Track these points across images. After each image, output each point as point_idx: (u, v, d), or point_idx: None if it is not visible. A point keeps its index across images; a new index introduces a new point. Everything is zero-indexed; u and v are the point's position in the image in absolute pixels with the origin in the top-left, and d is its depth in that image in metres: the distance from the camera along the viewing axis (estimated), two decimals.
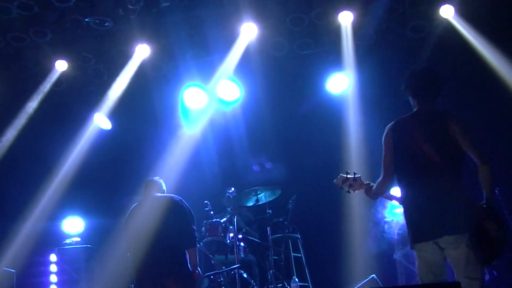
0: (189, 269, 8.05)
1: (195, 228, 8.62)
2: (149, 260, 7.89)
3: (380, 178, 6.55)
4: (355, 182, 6.89)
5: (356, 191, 6.93)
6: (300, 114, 12.66)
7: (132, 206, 8.62)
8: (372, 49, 11.96)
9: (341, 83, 12.28)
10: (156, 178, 9.02)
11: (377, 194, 6.78)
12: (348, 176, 6.92)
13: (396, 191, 6.71)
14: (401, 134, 6.35)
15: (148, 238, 7.89)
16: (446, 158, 6.14)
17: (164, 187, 8.82)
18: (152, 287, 7.83)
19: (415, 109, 6.56)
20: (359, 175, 6.90)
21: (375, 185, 6.68)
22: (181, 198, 8.36)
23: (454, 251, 5.89)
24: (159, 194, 8.45)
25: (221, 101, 12.70)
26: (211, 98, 12.62)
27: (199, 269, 8.22)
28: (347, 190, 6.95)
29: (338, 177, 6.99)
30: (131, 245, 8.33)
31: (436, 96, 6.53)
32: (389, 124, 6.53)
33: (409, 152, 6.26)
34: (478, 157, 6.14)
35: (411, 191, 6.24)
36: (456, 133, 6.18)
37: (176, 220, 8.12)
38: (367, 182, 6.89)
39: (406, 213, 6.26)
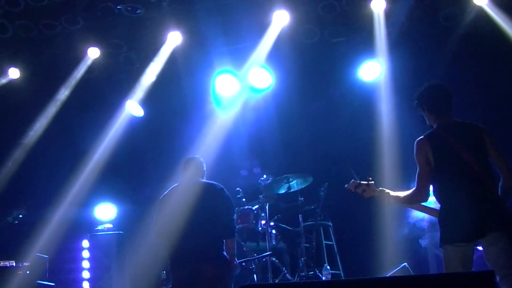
0: (226, 258, 8.09)
1: (234, 218, 8.79)
2: (187, 245, 7.92)
3: (413, 190, 6.79)
4: (368, 188, 7.16)
5: (368, 197, 7.21)
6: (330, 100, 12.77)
7: (171, 187, 8.61)
8: (404, 36, 11.99)
9: (373, 71, 12.38)
10: (197, 156, 8.97)
11: (405, 203, 7.14)
12: (362, 182, 7.20)
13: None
14: (439, 146, 6.65)
15: (187, 223, 7.94)
16: (484, 166, 6.57)
17: (204, 167, 8.80)
18: (189, 271, 7.85)
19: (436, 123, 6.90)
20: (373, 182, 7.18)
21: (404, 195, 6.95)
22: (223, 187, 8.40)
23: (494, 247, 6.26)
24: (203, 180, 8.47)
25: (253, 88, 12.83)
26: (243, 85, 12.76)
27: (236, 259, 8.34)
28: (359, 194, 7.24)
29: (351, 182, 7.27)
30: (168, 227, 8.29)
31: (450, 109, 6.89)
32: (421, 139, 6.79)
33: (451, 163, 6.59)
34: (505, 167, 6.63)
35: (455, 198, 6.54)
36: (487, 143, 6.64)
37: (218, 209, 8.14)
38: (381, 188, 7.18)
39: (448, 217, 6.56)
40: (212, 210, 8.09)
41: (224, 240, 8.21)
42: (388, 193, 7.13)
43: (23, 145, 12.95)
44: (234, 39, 12.42)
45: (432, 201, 6.96)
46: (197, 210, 7.98)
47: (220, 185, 8.35)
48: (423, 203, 6.98)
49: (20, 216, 9.26)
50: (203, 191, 8.18)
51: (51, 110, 13.16)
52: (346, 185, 7.36)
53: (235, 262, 8.25)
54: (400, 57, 11.96)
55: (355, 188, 7.25)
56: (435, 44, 12.11)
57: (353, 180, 7.28)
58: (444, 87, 7.02)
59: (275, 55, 12.40)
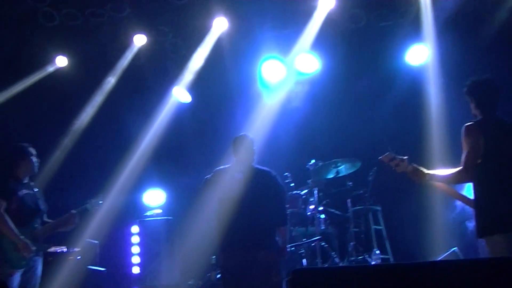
0: (279, 245, 8.16)
1: (287, 206, 8.87)
2: (241, 231, 7.96)
3: (459, 170, 6.91)
4: (402, 163, 7.31)
5: (400, 171, 7.36)
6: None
7: (219, 168, 8.63)
8: (452, 20, 11.88)
9: (420, 55, 12.36)
10: (247, 134, 8.88)
11: (447, 181, 7.24)
12: (396, 156, 7.36)
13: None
14: (491, 136, 6.81)
15: (241, 209, 7.98)
16: None
17: (255, 146, 8.71)
18: (244, 258, 7.91)
19: (481, 116, 7.06)
20: (407, 157, 7.33)
21: (446, 173, 7.12)
22: (276, 174, 8.43)
23: None
24: (256, 166, 8.46)
25: (299, 73, 12.87)
26: (289, 71, 12.81)
27: (287, 246, 8.40)
28: (393, 168, 7.40)
29: (386, 154, 7.43)
30: (220, 211, 8.36)
31: (497, 107, 7.07)
32: (472, 125, 6.91)
33: (502, 153, 6.80)
34: None
35: (500, 188, 6.71)
36: None
37: (271, 196, 8.18)
38: (414, 165, 7.33)
39: (498, 205, 6.68)
40: (265, 197, 8.12)
41: (276, 227, 8.24)
42: (422, 170, 7.25)
43: (71, 133, 13.19)
44: (280, 24, 12.47)
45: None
46: (250, 196, 8.02)
47: (273, 172, 8.38)
48: (456, 190, 7.35)
49: (100, 202, 9.46)
50: (256, 177, 8.21)
51: (99, 97, 13.42)
52: (380, 157, 7.51)
53: (287, 249, 8.37)
54: (448, 41, 11.86)
55: (389, 160, 7.40)
56: (483, 29, 11.93)
57: (388, 152, 7.44)
58: (496, 84, 7.14)
59: (321, 40, 12.40)
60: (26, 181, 8.70)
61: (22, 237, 8.15)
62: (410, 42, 12.43)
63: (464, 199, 7.37)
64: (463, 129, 6.88)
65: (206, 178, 8.56)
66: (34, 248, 8.28)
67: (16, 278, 8.15)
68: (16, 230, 8.15)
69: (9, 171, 8.58)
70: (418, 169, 7.28)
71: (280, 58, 12.83)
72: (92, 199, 9.27)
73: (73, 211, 8.92)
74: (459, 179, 7.06)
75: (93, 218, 12.06)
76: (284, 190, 8.52)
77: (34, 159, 8.75)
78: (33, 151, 8.78)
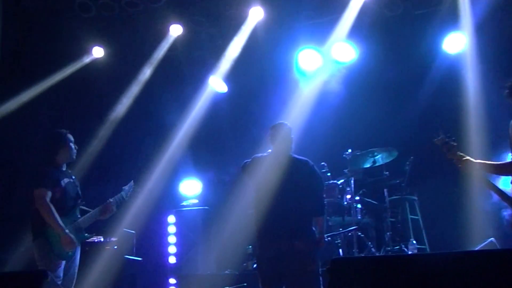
0: (315, 234, 8.11)
1: (325, 197, 8.87)
2: (278, 220, 7.94)
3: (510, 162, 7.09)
4: (452, 148, 7.44)
5: (450, 157, 7.50)
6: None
7: (259, 155, 8.56)
8: (491, 7, 11.66)
9: (457, 43, 12.23)
10: (285, 122, 8.78)
11: (496, 172, 7.48)
12: (450, 141, 7.48)
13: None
14: None
15: (278, 198, 7.95)
16: None
17: (292, 134, 8.61)
18: (281, 247, 7.86)
19: None
20: (456, 144, 7.44)
21: (496, 163, 7.33)
22: (313, 164, 8.38)
23: None
24: (294, 155, 8.40)
25: (336, 62, 12.81)
26: (326, 60, 12.79)
27: (330, 237, 8.40)
28: (443, 152, 7.52)
29: (440, 137, 7.54)
30: (257, 199, 8.33)
31: None
32: None
33: None
34: None
35: None
36: None
37: (309, 186, 8.15)
38: (462, 153, 7.42)
39: None
40: (303, 187, 8.10)
41: (313, 217, 8.23)
42: (470, 160, 7.38)
43: (108, 123, 13.33)
44: (316, 13, 12.50)
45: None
46: (288, 186, 7.99)
47: (311, 161, 8.34)
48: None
49: (134, 189, 9.46)
50: (294, 167, 8.19)
51: (135, 88, 13.52)
52: (435, 139, 7.62)
53: (324, 240, 8.30)
54: (486, 29, 11.75)
55: (442, 144, 7.52)
56: None
57: (443, 136, 7.54)
58: None
59: (357, 29, 12.39)
60: (64, 168, 8.59)
61: (67, 230, 8.04)
62: (447, 30, 12.31)
63: (499, 192, 7.39)
64: (511, 123, 6.95)
65: (245, 162, 8.51)
66: (76, 242, 8.22)
67: (61, 268, 8.09)
68: (61, 223, 8.03)
69: (48, 158, 8.43)
70: (466, 157, 7.40)
71: (316, 48, 12.83)
72: (125, 186, 9.29)
73: (110, 200, 8.87)
74: (509, 170, 7.16)
75: (130, 207, 12.20)
76: (322, 180, 8.50)
77: (73, 145, 8.60)
78: (71, 137, 8.62)
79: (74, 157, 8.68)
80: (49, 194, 8.06)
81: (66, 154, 8.52)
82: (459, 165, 7.41)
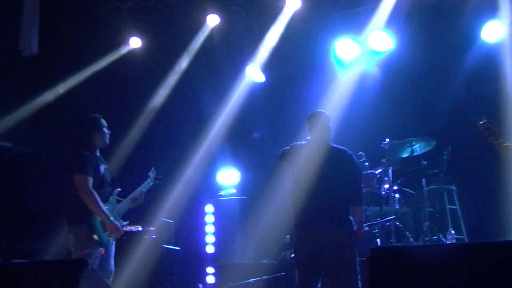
0: (352, 223, 8.12)
1: (363, 186, 8.85)
2: (315, 209, 7.96)
3: None
4: (494, 133, 7.64)
5: (491, 141, 7.69)
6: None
7: (298, 143, 8.56)
8: None
9: (496, 31, 12.09)
10: (323, 111, 8.80)
11: None
12: (492, 125, 7.67)
13: None
14: None
15: (316, 186, 7.97)
16: None
17: (331, 123, 8.63)
18: (318, 235, 7.90)
19: None
20: (498, 130, 7.55)
21: None
22: (352, 153, 8.40)
23: None
24: (333, 145, 8.40)
25: (373, 51, 12.80)
26: (363, 49, 12.77)
27: (368, 226, 8.39)
28: (486, 135, 7.74)
29: (484, 121, 7.76)
30: (294, 189, 8.37)
31: None
32: None
33: None
34: None
35: None
36: None
37: (347, 176, 8.17)
38: (503, 140, 7.46)
39: None
40: (341, 176, 8.12)
41: (351, 206, 8.26)
42: (505, 145, 7.67)
43: (146, 113, 13.44)
44: (353, 2, 12.59)
45: None
46: (326, 175, 8.00)
47: (349, 151, 8.36)
48: None
49: (155, 174, 9.40)
50: (333, 156, 8.19)
51: (173, 78, 13.61)
52: (478, 123, 7.89)
53: (363, 229, 8.31)
54: None
55: (484, 128, 7.75)
56: None
57: (485, 120, 7.76)
58: None
59: (395, 18, 12.35)
60: (98, 154, 8.39)
61: (112, 217, 7.96)
62: (485, 19, 12.19)
63: None
64: None
65: (284, 149, 8.55)
66: (122, 228, 8.13)
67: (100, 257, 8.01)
68: (105, 210, 7.93)
69: (83, 143, 8.21)
70: (508, 143, 7.62)
71: (353, 37, 12.81)
72: (149, 173, 9.26)
73: (142, 190, 8.86)
74: None
75: (168, 197, 12.31)
76: (360, 169, 8.53)
77: (106, 130, 8.38)
78: (104, 122, 8.42)
79: (108, 142, 8.45)
80: (91, 180, 7.91)
81: (100, 138, 8.32)
82: (500, 151, 7.48)
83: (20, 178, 13.30)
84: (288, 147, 8.58)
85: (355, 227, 8.15)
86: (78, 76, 13.12)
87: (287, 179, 8.84)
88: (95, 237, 7.84)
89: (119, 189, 8.44)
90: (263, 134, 13.98)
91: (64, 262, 6.44)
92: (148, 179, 9.06)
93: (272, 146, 12.11)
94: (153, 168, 9.34)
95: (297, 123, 10.49)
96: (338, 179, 8.10)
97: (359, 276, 7.96)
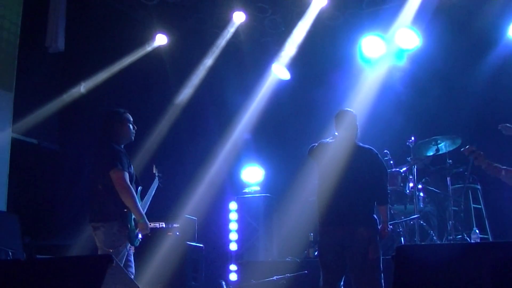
0: (377, 221, 8.09)
1: (388, 185, 8.83)
2: (341, 207, 7.95)
3: None
4: (479, 156, 7.91)
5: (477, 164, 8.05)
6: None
7: (325, 141, 8.53)
8: None
9: None
10: (350, 109, 8.72)
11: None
12: (476, 150, 7.98)
13: None
14: None
15: (342, 184, 7.98)
16: None
17: (357, 122, 8.57)
18: (344, 232, 7.89)
19: None
20: (482, 153, 7.95)
21: None
22: (378, 153, 8.38)
23: None
24: (359, 143, 8.39)
25: (400, 49, 12.77)
26: (390, 47, 12.75)
27: (391, 225, 8.37)
28: (472, 160, 8.14)
29: (468, 147, 8.10)
30: (320, 186, 8.34)
31: None
32: None
33: None
34: None
35: None
36: None
37: (373, 175, 8.14)
38: (489, 161, 7.89)
39: None
40: (367, 175, 8.10)
41: (376, 205, 8.24)
42: (494, 166, 7.98)
43: (172, 110, 13.47)
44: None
45: None
46: (352, 173, 8.00)
47: (375, 150, 8.33)
48: None
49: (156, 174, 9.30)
50: (358, 155, 8.19)
51: (199, 75, 13.65)
52: (462, 149, 8.21)
53: (388, 228, 8.27)
54: None
55: (469, 152, 8.04)
56: None
57: (469, 146, 8.09)
58: None
59: (421, 15, 12.29)
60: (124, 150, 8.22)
61: (145, 216, 7.85)
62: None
63: None
64: None
65: (312, 146, 8.52)
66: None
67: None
68: (140, 207, 7.84)
69: (112, 138, 8.05)
70: (492, 164, 7.94)
71: (379, 34, 12.77)
72: (155, 172, 9.20)
73: (160, 184, 8.84)
74: None
75: (192, 193, 12.34)
76: (386, 168, 8.44)
77: (131, 126, 8.24)
78: (130, 117, 8.27)
79: (133, 138, 8.34)
80: (127, 176, 7.79)
81: (127, 134, 8.20)
82: (490, 172, 7.87)
83: (46, 174, 13.38)
84: (315, 144, 8.56)
85: (380, 226, 8.13)
86: (105, 72, 13.16)
87: (312, 177, 8.81)
88: (129, 234, 7.77)
89: (141, 187, 8.27)
90: (289, 131, 13.89)
91: (89, 258, 6.40)
92: (156, 177, 9.00)
93: (296, 143, 12.11)
94: (154, 165, 9.27)
95: (322, 121, 10.52)
96: (363, 178, 8.07)
97: (382, 275, 7.93)
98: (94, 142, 8.55)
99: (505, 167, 7.75)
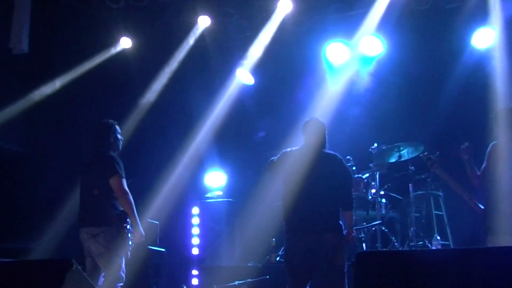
0: (343, 228, 8.08)
1: (353, 190, 8.83)
2: (306, 214, 7.93)
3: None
4: (434, 163, 8.51)
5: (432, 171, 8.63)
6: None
7: (289, 150, 8.47)
8: None
9: (486, 38, 12.09)
10: (319, 119, 8.72)
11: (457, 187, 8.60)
12: (432, 157, 8.61)
13: None
14: None
15: (307, 191, 7.94)
16: None
17: (325, 131, 8.56)
18: (307, 240, 7.87)
19: None
20: (437, 160, 8.60)
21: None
22: (342, 158, 8.34)
23: None
24: (325, 151, 8.34)
25: (364, 56, 12.82)
26: (354, 53, 12.77)
27: (355, 231, 8.39)
28: (429, 166, 8.63)
29: (426, 153, 8.66)
30: (285, 193, 8.28)
31: None
32: None
33: None
34: None
35: None
36: None
37: (337, 180, 8.12)
38: (441, 170, 8.55)
39: None
40: (332, 181, 8.07)
41: (340, 211, 8.20)
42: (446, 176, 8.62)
43: (135, 114, 13.35)
44: (345, 6, 12.46)
45: None
46: (317, 179, 7.98)
47: (339, 156, 8.31)
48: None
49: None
50: (323, 161, 8.18)
51: (163, 79, 13.52)
52: (420, 154, 8.87)
53: (353, 234, 8.31)
54: None
55: (427, 159, 8.67)
56: None
57: (427, 153, 8.75)
58: None
59: (386, 23, 12.29)
60: None
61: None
62: (476, 25, 12.21)
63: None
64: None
65: (272, 159, 8.51)
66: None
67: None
68: (137, 213, 8.19)
69: (108, 147, 8.46)
70: (444, 174, 8.71)
71: (344, 41, 12.80)
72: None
73: None
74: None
75: (154, 198, 12.26)
76: (351, 174, 8.47)
77: (120, 136, 8.73)
78: (119, 128, 8.75)
79: (120, 148, 8.73)
80: (126, 182, 8.19)
81: (118, 143, 8.64)
82: (444, 179, 8.09)
83: (9, 177, 13.19)
84: (275, 157, 8.54)
85: (345, 232, 8.11)
86: (69, 75, 13.00)
87: (276, 183, 8.76)
88: (131, 238, 8.15)
89: None
90: (252, 136, 13.89)
91: (48, 262, 6.43)
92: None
93: (259, 149, 12.12)
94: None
95: (286, 126, 10.51)
96: (329, 184, 8.05)
97: (346, 281, 7.92)
98: (91, 151, 8.69)
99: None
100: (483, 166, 7.55)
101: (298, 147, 8.45)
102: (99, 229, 8.01)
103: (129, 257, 8.28)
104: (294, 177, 8.13)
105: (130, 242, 8.21)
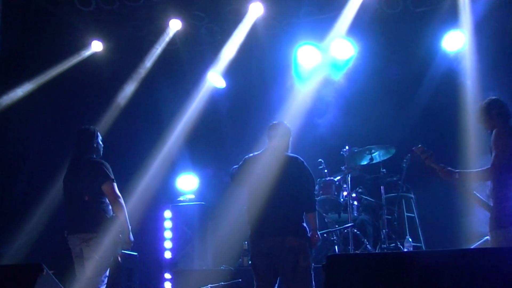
0: (306, 230, 8.09)
1: (316, 190, 8.85)
2: (270, 217, 7.95)
3: (488, 169, 7.43)
4: (430, 157, 7.78)
5: (428, 165, 7.85)
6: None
7: (251, 155, 8.52)
8: (490, 6, 11.67)
9: (457, 41, 12.22)
10: (285, 122, 8.72)
11: (473, 178, 7.77)
12: (427, 150, 7.82)
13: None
14: None
15: (270, 194, 7.96)
16: None
17: (290, 135, 8.60)
18: (272, 242, 7.89)
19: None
20: (433, 153, 7.82)
21: (473, 171, 7.73)
22: (303, 161, 8.35)
23: None
24: (287, 154, 8.37)
25: (335, 59, 12.83)
26: (325, 57, 12.80)
27: (318, 232, 8.43)
28: (423, 158, 7.86)
29: (419, 146, 7.89)
30: (249, 197, 8.36)
31: None
32: (504, 130, 7.47)
33: None
34: None
35: None
36: None
37: (299, 183, 8.15)
38: (441, 164, 7.76)
39: None
40: (294, 183, 8.10)
41: (304, 213, 8.23)
42: (450, 169, 7.73)
43: (106, 117, 13.29)
44: (316, 9, 12.45)
45: None
46: (279, 182, 7.99)
47: (301, 158, 8.33)
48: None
49: None
50: (285, 164, 8.17)
51: (134, 82, 13.48)
52: (414, 147, 7.98)
53: (317, 235, 8.26)
54: (485, 28, 11.79)
55: (420, 152, 7.86)
56: None
57: (421, 145, 7.88)
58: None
59: (357, 26, 12.34)
60: None
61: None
62: (446, 28, 12.32)
63: (480, 201, 7.88)
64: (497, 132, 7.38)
65: (234, 168, 8.60)
66: None
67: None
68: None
69: (93, 152, 8.57)
70: (446, 167, 7.73)
71: (315, 44, 12.82)
72: None
73: None
74: (486, 177, 7.58)
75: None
76: (312, 176, 8.43)
77: (101, 142, 8.82)
78: (99, 134, 8.83)
79: (101, 154, 8.80)
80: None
81: (100, 149, 8.74)
82: (440, 175, 7.76)
83: None
84: (236, 166, 8.61)
85: (309, 234, 8.11)
86: (39, 79, 12.92)
87: (242, 189, 8.77)
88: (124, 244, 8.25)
89: None
90: (223, 140, 13.89)
91: (19, 267, 6.39)
92: None
93: (231, 152, 12.10)
94: None
95: (257, 129, 10.49)
96: (291, 187, 8.08)
97: (313, 283, 7.92)
98: (72, 157, 8.65)
99: (458, 170, 7.71)
100: (493, 154, 7.42)
101: (261, 151, 8.50)
102: (92, 235, 8.05)
103: (121, 262, 8.30)
104: (257, 182, 8.19)
105: (120, 248, 8.22)
